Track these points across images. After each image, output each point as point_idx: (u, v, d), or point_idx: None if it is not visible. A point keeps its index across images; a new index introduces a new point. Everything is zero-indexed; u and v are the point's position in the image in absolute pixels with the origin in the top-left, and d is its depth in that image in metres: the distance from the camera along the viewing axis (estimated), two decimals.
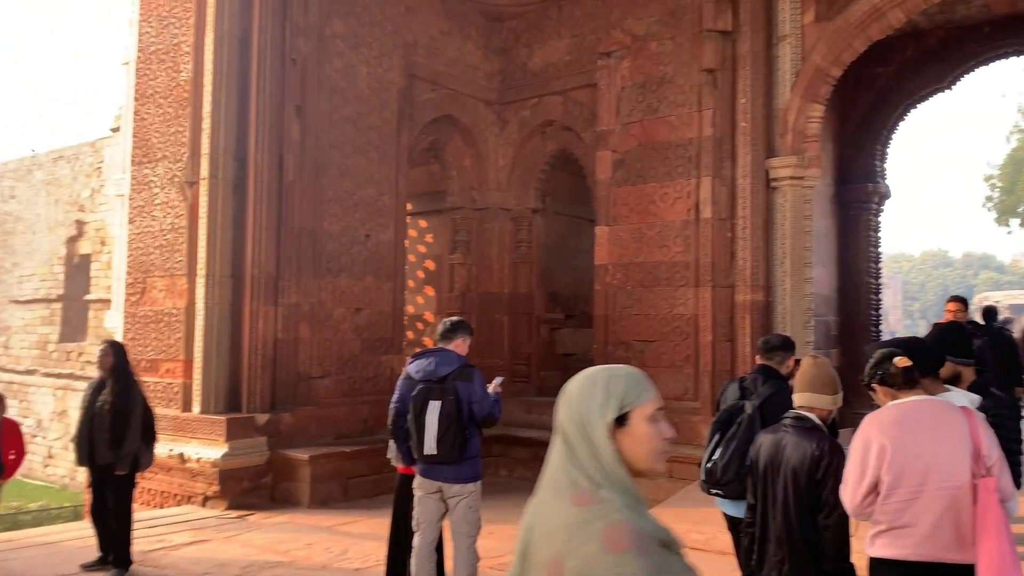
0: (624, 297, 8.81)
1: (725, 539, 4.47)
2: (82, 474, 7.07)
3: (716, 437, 4.09)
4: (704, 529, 6.21)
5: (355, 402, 8.50)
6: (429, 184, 10.77)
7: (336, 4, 8.32)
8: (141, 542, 5.61)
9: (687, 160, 8.46)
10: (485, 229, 10.39)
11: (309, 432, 7.95)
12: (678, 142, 8.52)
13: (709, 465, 4.05)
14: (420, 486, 4.50)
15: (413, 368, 4.58)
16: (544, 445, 8.22)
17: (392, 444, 4.78)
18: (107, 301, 15.46)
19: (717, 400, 4.49)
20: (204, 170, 7.75)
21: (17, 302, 17.79)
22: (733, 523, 4.11)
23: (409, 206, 9.69)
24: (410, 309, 10.13)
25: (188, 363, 7.69)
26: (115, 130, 16.69)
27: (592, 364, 9.10)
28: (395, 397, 4.68)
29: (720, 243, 8.23)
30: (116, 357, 5.49)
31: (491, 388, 4.59)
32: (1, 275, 18.48)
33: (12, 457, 7.53)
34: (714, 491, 4.07)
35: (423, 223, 10.81)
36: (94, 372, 6.35)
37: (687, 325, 8.37)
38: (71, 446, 5.48)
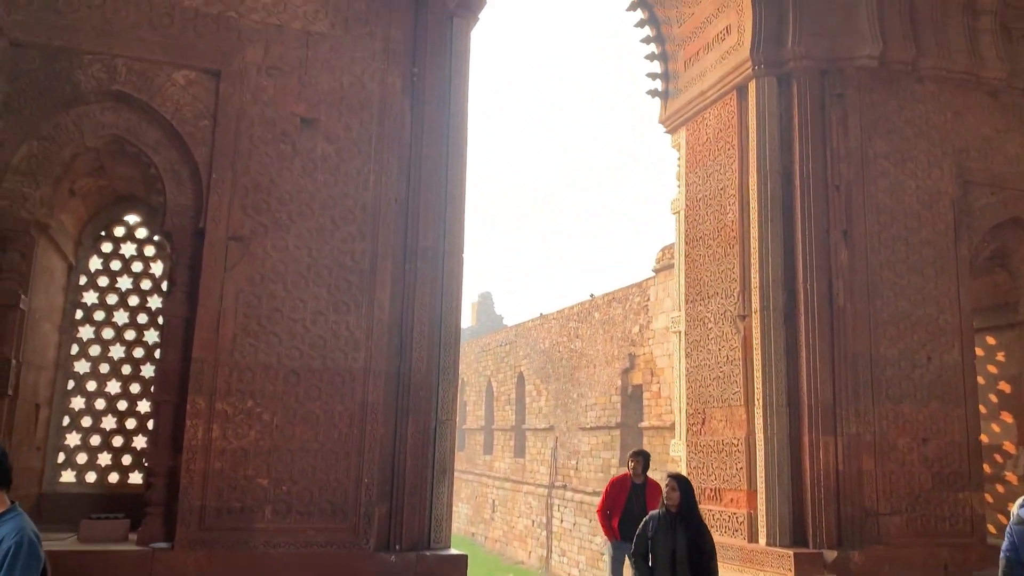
0: None
1: None
2: None
3: None
4: None
5: (931, 543, 7.67)
6: (994, 296, 9.61)
7: (878, 124, 8.17)
8: None
9: None
10: None
11: (881, 574, 7.37)
12: None
13: None
14: None
15: None
16: None
17: None
18: (659, 428, 16.69)
19: None
20: (755, 303, 8.06)
21: (584, 429, 20.18)
22: None
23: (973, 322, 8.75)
24: (984, 438, 8.95)
25: (751, 493, 7.81)
26: (657, 271, 18.40)
27: None
28: (1005, 545, 4.14)
29: None
30: (684, 493, 5.69)
31: None
32: (570, 404, 21.24)
33: None
34: None
35: (991, 340, 9.62)
36: None
37: None
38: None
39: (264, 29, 6.50)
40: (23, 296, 5.90)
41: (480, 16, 7.36)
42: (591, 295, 21.60)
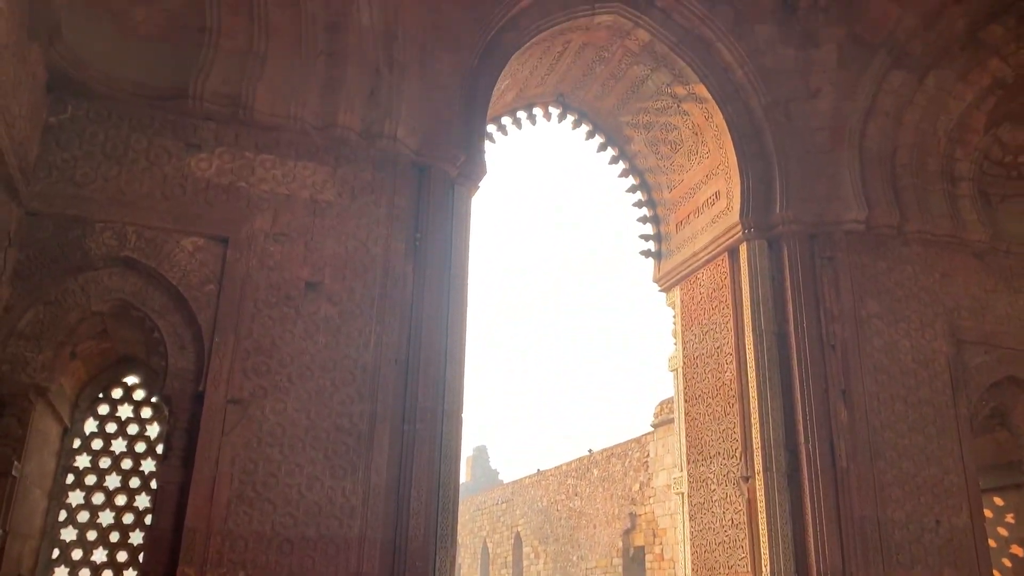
0: None
1: None
2: None
3: None
4: None
5: None
6: (997, 455, 9.49)
7: (868, 285, 8.36)
8: None
9: None
10: None
11: None
12: None
13: None
14: None
15: None
16: None
17: None
18: None
19: None
20: (757, 464, 7.95)
21: None
22: None
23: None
24: None
25: None
26: (656, 426, 18.23)
27: None
28: None
29: None
30: None
31: None
32: (569, 568, 20.44)
33: None
34: None
35: (998, 500, 9.43)
36: None
37: None
38: None
39: (273, 198, 6.74)
40: (16, 463, 5.80)
41: (480, 184, 7.69)
42: (589, 450, 21.29)
